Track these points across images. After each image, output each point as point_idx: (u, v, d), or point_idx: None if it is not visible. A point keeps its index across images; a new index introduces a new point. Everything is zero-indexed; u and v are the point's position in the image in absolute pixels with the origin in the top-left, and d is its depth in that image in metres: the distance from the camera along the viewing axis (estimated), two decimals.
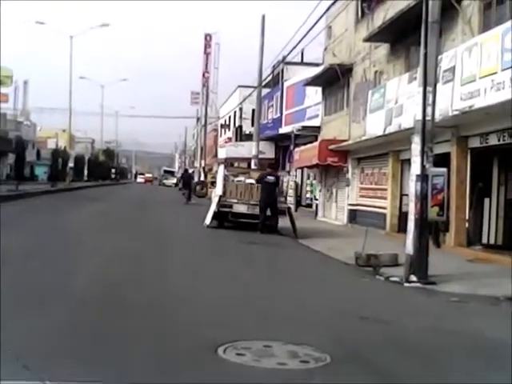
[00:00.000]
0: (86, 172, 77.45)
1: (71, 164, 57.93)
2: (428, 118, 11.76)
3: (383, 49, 23.60)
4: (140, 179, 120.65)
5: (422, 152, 11.63)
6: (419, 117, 11.86)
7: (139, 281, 10.03)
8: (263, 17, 35.03)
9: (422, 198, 11.47)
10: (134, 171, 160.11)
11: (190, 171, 52.81)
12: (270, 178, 20.98)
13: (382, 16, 22.96)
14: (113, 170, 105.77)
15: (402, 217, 19.59)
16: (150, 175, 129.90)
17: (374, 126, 22.11)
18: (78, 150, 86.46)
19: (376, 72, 24.54)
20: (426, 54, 11.88)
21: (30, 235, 15.73)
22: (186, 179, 42.26)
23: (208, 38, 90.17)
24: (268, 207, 20.50)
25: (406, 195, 17.22)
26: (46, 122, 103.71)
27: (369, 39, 23.73)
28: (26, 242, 14.18)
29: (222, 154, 54.57)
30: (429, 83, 11.80)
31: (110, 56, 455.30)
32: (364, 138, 23.44)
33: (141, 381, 5.14)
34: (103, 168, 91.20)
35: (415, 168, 11.81)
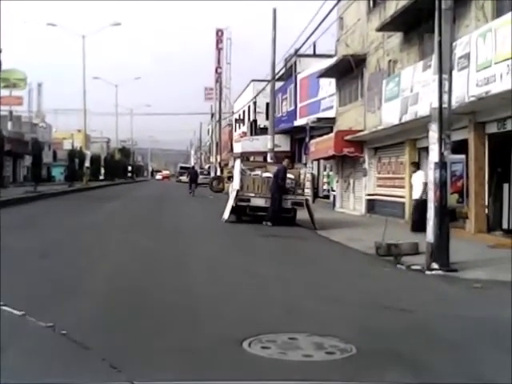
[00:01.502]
0: (102, 171, 77.77)
1: (88, 164, 58.09)
2: (445, 105, 11.69)
3: (396, 38, 23.48)
4: (158, 176, 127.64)
5: (440, 139, 11.58)
6: (436, 104, 11.80)
7: (161, 276, 10.10)
8: (274, 10, 35.13)
9: (441, 186, 11.44)
10: (150, 169, 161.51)
11: (206, 167, 55.78)
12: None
13: (393, 5, 22.83)
14: (129, 168, 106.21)
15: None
16: (167, 172, 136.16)
17: (390, 115, 22.03)
18: (94, 150, 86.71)
19: (390, 61, 24.43)
20: (440, 42, 11.82)
21: (49, 234, 15.89)
22: (193, 175, 48.55)
23: (220, 34, 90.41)
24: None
25: (425, 183, 17.19)
26: (62, 123, 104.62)
27: (381, 29, 23.60)
28: (46, 241, 14.34)
29: (238, 148, 54.66)
30: (444, 71, 11.73)
31: (122, 55, 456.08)
32: (380, 127, 23.36)
33: (167, 376, 5.15)
34: (120, 167, 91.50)
35: (433, 156, 11.76)
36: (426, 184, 18.63)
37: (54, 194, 38.42)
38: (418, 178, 19.15)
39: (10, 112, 71.46)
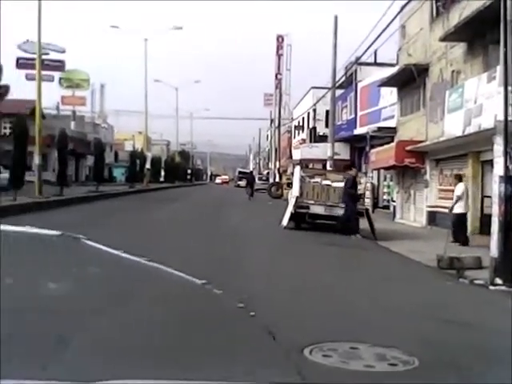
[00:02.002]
0: (162, 173, 78.60)
1: (148, 166, 58.84)
2: (510, 118, 11.55)
3: (460, 48, 23.21)
4: (218, 180, 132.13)
5: (505, 153, 11.45)
6: (501, 117, 11.67)
7: (220, 280, 10.18)
8: (336, 18, 35.01)
9: (506, 200, 11.31)
10: (208, 173, 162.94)
11: (265, 172, 57.91)
12: None
13: (457, 15, 22.56)
14: (188, 172, 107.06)
15: (484, 219, 19.28)
16: (226, 177, 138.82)
17: (453, 126, 21.78)
18: (155, 152, 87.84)
19: (453, 72, 24.15)
20: (505, 53, 11.69)
21: (111, 234, 16.20)
22: (250, 180, 51.98)
23: (280, 40, 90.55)
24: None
25: (488, 197, 17.02)
26: (123, 124, 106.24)
27: (445, 38, 23.35)
28: (107, 241, 14.61)
29: (297, 155, 54.66)
30: (510, 83, 11.60)
31: (183, 58, 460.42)
32: (442, 138, 23.10)
33: (228, 380, 5.26)
34: (179, 169, 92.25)
35: (498, 169, 11.63)
36: (458, 197, 18.77)
37: (115, 194, 39.24)
38: (456, 190, 19.18)
39: (73, 112, 73.05)
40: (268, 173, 78.52)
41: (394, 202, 31.89)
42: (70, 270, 6.26)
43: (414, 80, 27.44)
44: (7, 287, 5.68)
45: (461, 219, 19.05)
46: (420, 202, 27.91)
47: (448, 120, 22.64)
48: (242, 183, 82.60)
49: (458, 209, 19.05)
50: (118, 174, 80.00)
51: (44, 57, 37.17)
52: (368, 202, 25.42)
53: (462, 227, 19.00)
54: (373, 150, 32.41)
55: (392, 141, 30.32)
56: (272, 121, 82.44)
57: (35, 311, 5.96)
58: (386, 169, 32.17)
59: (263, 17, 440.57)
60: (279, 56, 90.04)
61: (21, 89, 52.80)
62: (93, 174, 44.15)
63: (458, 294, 10.87)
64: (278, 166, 66.77)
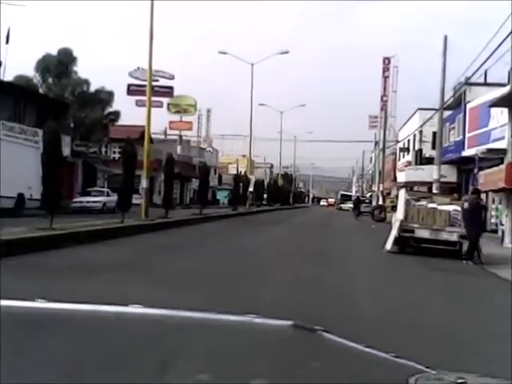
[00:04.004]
0: (265, 196, 79.12)
1: (251, 189, 59.28)
2: None
3: None
4: (323, 202, 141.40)
5: None
6: None
7: (325, 304, 10.04)
8: (445, 38, 34.35)
9: None
10: (311, 195, 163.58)
11: (368, 195, 62.28)
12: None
13: None
14: (290, 194, 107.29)
15: None
16: (332, 200, 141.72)
17: None
18: (258, 175, 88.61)
19: None
20: None
21: (211, 258, 16.36)
22: (356, 203, 60.33)
23: (386, 62, 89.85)
24: None
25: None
26: (227, 148, 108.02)
27: None
28: (208, 264, 14.78)
29: (401, 177, 53.91)
30: None
31: (289, 81, 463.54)
32: None
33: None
34: (282, 192, 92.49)
35: None
36: None
37: (218, 216, 39.72)
38: None
39: (180, 136, 74.80)
40: (371, 195, 77.62)
41: (502, 225, 30.72)
42: None
43: None
44: None
45: None
46: None
47: None
48: (345, 206, 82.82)
49: None
50: (222, 196, 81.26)
51: (154, 83, 37.96)
52: None
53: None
54: (481, 172, 31.46)
55: (502, 163, 29.32)
56: (376, 143, 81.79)
57: None
58: (495, 191, 31.13)
59: (370, 39, 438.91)
60: (385, 78, 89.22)
61: (131, 115, 54.70)
62: (197, 196, 44.77)
63: None
64: (381, 188, 66.07)
